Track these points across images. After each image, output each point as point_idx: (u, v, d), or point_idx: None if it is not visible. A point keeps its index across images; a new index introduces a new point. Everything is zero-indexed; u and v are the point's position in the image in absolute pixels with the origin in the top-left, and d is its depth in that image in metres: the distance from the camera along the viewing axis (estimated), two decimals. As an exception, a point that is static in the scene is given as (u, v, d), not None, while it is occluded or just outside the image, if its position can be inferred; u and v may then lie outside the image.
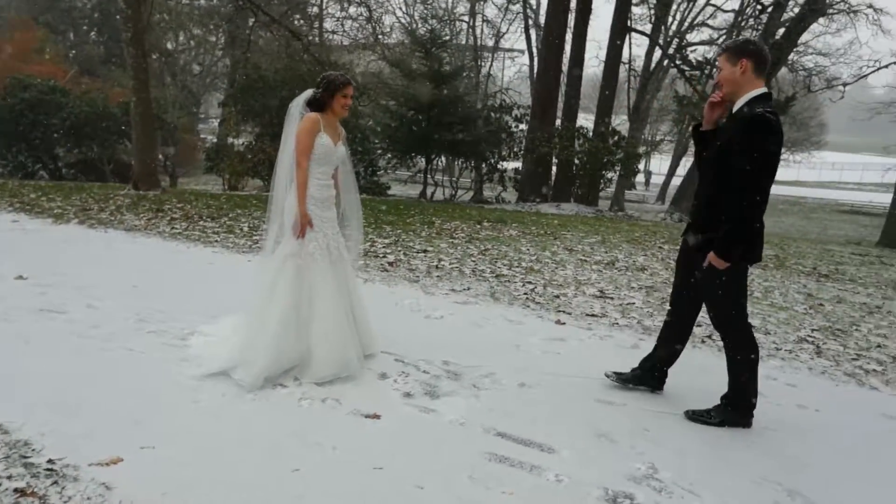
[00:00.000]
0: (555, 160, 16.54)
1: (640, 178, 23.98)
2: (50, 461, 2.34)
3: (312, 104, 3.35)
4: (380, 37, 25.84)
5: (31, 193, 8.97)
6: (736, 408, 2.90)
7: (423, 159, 16.97)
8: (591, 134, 16.15)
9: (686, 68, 20.91)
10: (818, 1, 15.95)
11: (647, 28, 24.07)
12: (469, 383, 3.22)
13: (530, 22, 28.13)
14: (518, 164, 18.05)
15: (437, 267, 5.75)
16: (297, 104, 3.42)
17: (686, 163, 29.85)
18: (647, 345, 3.91)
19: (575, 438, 2.71)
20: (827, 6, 17.69)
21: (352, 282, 3.45)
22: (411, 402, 2.99)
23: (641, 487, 2.36)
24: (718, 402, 2.95)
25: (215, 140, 30.26)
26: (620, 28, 17.56)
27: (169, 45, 27.61)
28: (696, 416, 2.94)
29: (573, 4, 16.47)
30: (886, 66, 19.58)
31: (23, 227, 6.57)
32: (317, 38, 23.52)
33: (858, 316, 5.13)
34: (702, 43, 26.17)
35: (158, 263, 5.37)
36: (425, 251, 6.45)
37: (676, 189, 23.41)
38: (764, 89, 2.80)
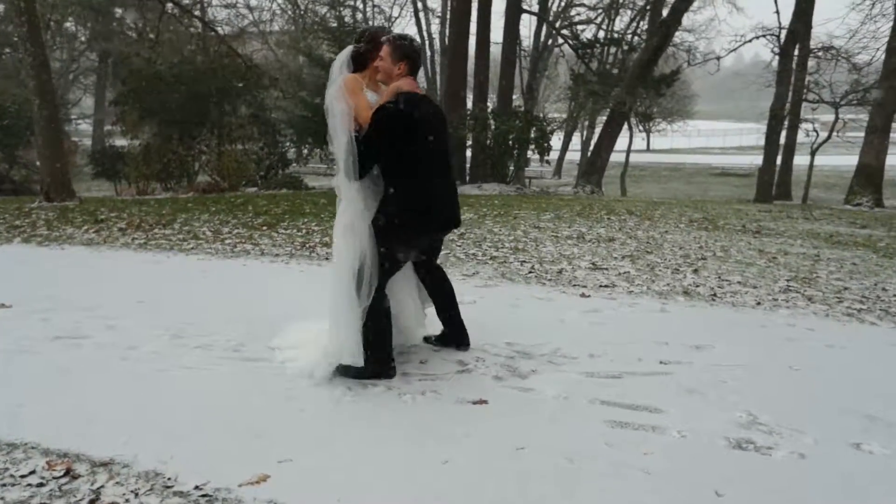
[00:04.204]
0: (468, 142, 16.90)
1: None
2: (197, 487, 2.24)
3: (355, 60, 3.06)
4: (262, 25, 24.85)
5: (-69, 214, 7.91)
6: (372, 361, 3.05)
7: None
8: (504, 115, 16.59)
9: (578, 46, 22.00)
10: (696, -18, 17.30)
11: (534, 9, 25.00)
12: (545, 360, 3.38)
13: (419, 5, 28.18)
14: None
15: (431, 255, 5.81)
16: (340, 62, 3.11)
17: (580, 137, 31.51)
18: (671, 307, 4.28)
19: (670, 397, 2.95)
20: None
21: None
22: (506, 384, 3.09)
23: (753, 432, 2.64)
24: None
25: (91, 143, 27.87)
26: (515, 9, 18.15)
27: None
28: (342, 370, 3.08)
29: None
30: (750, 41, 21.63)
31: (-42, 251, 5.85)
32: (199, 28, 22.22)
33: (810, 265, 5.82)
34: (582, 22, 27.62)
35: (148, 276, 5.01)
36: (408, 240, 6.47)
37: (581, 163, 24.67)
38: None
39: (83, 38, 30.15)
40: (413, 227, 2.99)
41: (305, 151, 16.91)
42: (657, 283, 4.93)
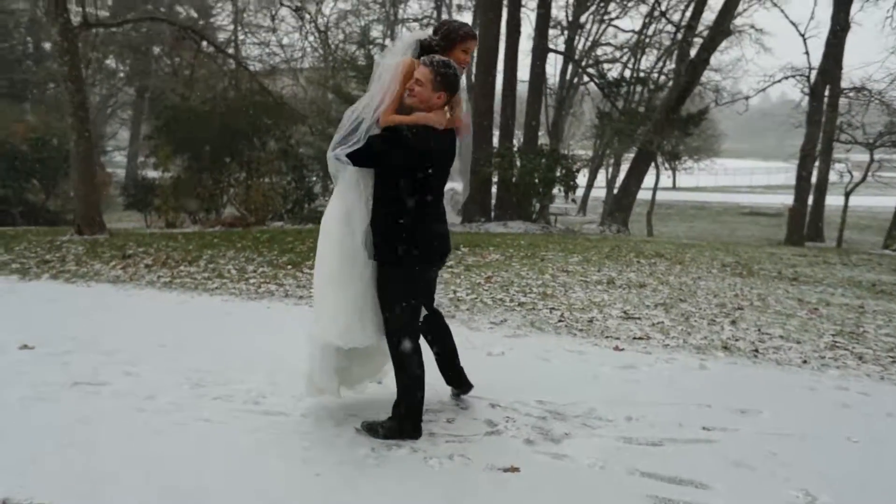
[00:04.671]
0: (495, 179, 16.89)
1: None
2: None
3: (425, 50, 2.80)
4: (295, 62, 25.46)
5: (-36, 246, 8.04)
6: (402, 417, 2.89)
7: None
8: (530, 152, 16.57)
9: (604, 84, 22.07)
10: (724, 23, 17.29)
11: (560, 48, 25.24)
12: (578, 423, 3.19)
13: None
14: (453, 185, 18.25)
15: (457, 300, 5.68)
16: (407, 42, 2.86)
17: (605, 174, 31.38)
18: (711, 364, 4.06)
19: (716, 469, 2.73)
20: (732, 28, 19.31)
21: None
22: (538, 449, 2.91)
23: (811, 513, 2.42)
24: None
25: (124, 174, 28.58)
26: (541, 49, 18.28)
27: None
28: (367, 427, 2.96)
29: (503, 28, 16.96)
30: (779, 81, 21.47)
31: (-12, 287, 5.89)
32: (232, 64, 22.86)
33: (855, 318, 5.54)
34: (607, 61, 27.77)
35: (171, 317, 4.95)
36: (433, 283, 6.34)
37: (607, 201, 24.49)
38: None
39: (122, 74, 31.21)
40: (406, 258, 2.80)
41: (332, 186, 17.06)
42: (694, 336, 4.71)
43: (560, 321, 5.06)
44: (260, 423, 3.11)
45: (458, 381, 3.40)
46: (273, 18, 16.75)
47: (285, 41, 26.23)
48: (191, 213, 15.39)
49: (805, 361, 4.19)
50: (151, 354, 4.00)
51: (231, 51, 27.47)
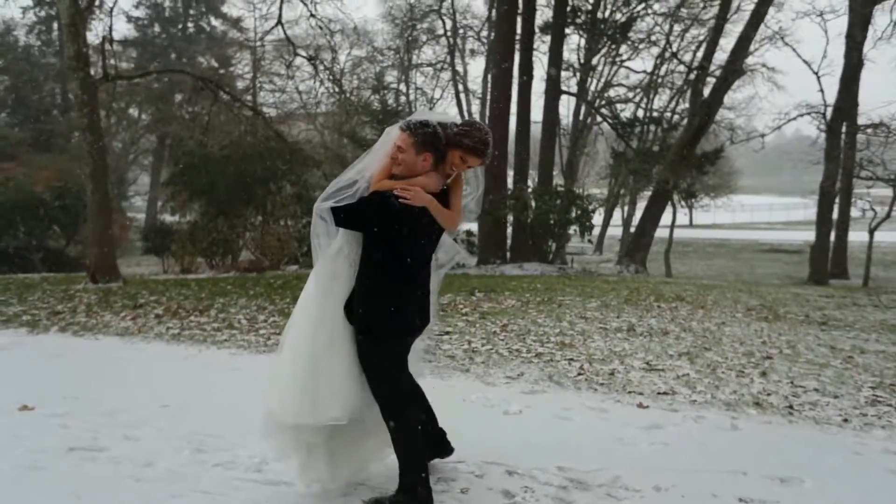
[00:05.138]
0: (510, 221, 16.80)
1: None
2: None
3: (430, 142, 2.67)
4: (311, 108, 25.93)
5: (-22, 297, 8.03)
6: (413, 488, 2.69)
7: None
8: (545, 193, 16.49)
9: (618, 125, 22.12)
10: (737, 63, 17.32)
11: (573, 90, 25.44)
12: (602, 493, 2.95)
13: (460, 87, 29.05)
14: (468, 226, 18.23)
15: (472, 351, 5.48)
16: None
17: (621, 213, 31.21)
18: (743, 423, 3.81)
19: (757, 550, 2.49)
20: (745, 68, 19.34)
21: None
22: (560, 525, 2.68)
23: None
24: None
25: (144, 219, 29.03)
26: (554, 91, 18.39)
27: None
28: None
29: (515, 71, 17.13)
30: (794, 119, 21.33)
31: (-5, 341, 5.81)
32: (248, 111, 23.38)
33: (894, 367, 5.24)
34: (620, 101, 27.90)
35: (176, 374, 4.81)
36: (447, 332, 6.17)
37: (623, 239, 24.27)
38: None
39: (145, 122, 32.06)
40: (386, 327, 2.68)
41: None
42: (722, 390, 4.46)
43: (579, 374, 4.83)
44: (261, 495, 2.92)
45: (440, 446, 3.09)
46: (288, 66, 17.08)
47: (302, 87, 26.85)
48: (207, 258, 15.44)
49: (846, 420, 3.91)
50: (153, 416, 3.84)
51: (249, 98, 28.16)
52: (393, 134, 2.71)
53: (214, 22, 32.46)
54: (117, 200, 25.53)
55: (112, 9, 11.81)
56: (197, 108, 23.73)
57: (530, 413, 3.97)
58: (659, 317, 7.28)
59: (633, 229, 21.62)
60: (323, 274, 2.75)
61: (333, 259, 2.74)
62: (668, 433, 3.67)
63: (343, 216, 2.64)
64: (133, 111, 30.80)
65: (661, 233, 21.67)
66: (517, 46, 16.96)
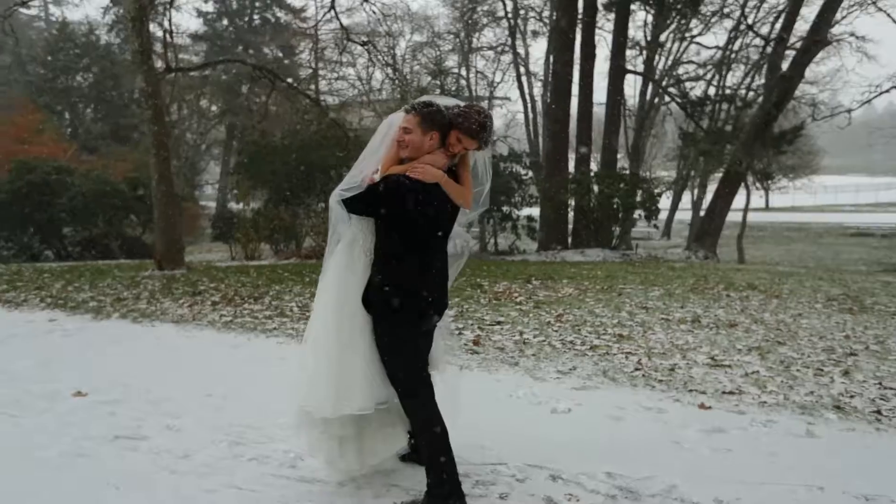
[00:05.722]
0: (571, 206, 16.33)
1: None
2: None
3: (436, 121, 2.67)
4: (371, 94, 26.03)
5: (54, 283, 8.43)
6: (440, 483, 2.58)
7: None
8: (608, 177, 15.90)
9: (686, 104, 21.04)
10: (820, 32, 16.05)
11: (639, 69, 24.40)
12: (656, 503, 2.70)
13: (521, 70, 28.39)
14: (529, 211, 17.85)
15: (523, 342, 5.26)
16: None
17: (690, 196, 29.87)
18: (821, 429, 3.43)
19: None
20: (830, 38, 17.91)
21: None
22: (605, 539, 2.46)
23: None
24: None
25: (214, 207, 30.15)
26: (618, 70, 17.64)
27: (167, 118, 27.53)
28: None
29: (576, 50, 16.54)
30: (888, 91, 19.65)
31: (62, 326, 6.04)
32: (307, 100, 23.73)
33: None
34: (690, 79, 26.52)
35: (223, 362, 4.84)
36: (499, 323, 5.97)
37: (692, 224, 23.23)
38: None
39: (215, 114, 33.18)
40: (398, 317, 2.64)
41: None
42: (797, 391, 4.06)
43: (636, 369, 4.53)
44: (293, 492, 2.83)
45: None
46: (341, 53, 17.15)
47: (363, 75, 27.00)
48: (271, 245, 15.82)
49: (942, 428, 3.47)
50: (197, 406, 3.85)
51: (312, 87, 28.57)
52: (395, 123, 2.71)
53: (279, 13, 33.07)
54: (190, 190, 26.62)
55: (171, 3, 12.01)
56: (261, 99, 24.32)
57: (580, 412, 3.72)
58: (727, 307, 6.81)
59: (702, 213, 20.58)
60: (340, 266, 2.73)
61: (349, 250, 2.73)
62: (733, 438, 3.35)
63: (355, 203, 2.64)
64: (204, 103, 31.90)
65: (733, 217, 20.56)
66: (579, 25, 16.36)
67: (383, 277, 2.64)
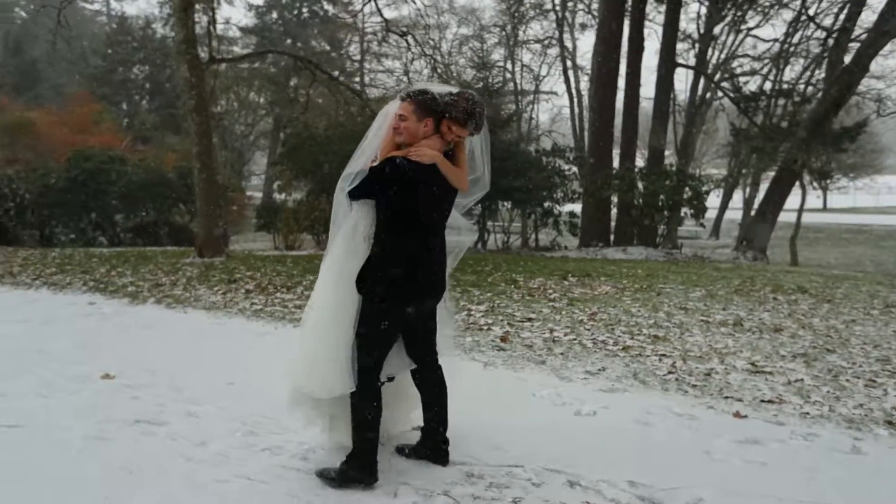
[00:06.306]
0: (614, 202, 15.95)
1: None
2: None
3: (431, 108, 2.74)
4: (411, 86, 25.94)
5: (100, 268, 8.70)
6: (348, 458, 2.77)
7: (478, 207, 16.63)
8: (654, 173, 15.45)
9: (740, 99, 20.25)
10: (888, 23, 15.14)
11: (690, 62, 23.59)
12: (679, 518, 2.54)
13: (568, 64, 27.88)
14: (571, 208, 17.51)
15: (553, 340, 5.10)
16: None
17: (741, 194, 28.81)
18: (869, 446, 3.18)
19: None
20: (897, 28, 16.87)
21: None
22: (621, 553, 2.31)
23: None
24: None
25: (261, 197, 30.78)
26: (668, 64, 17.08)
27: (217, 109, 28.27)
28: (320, 474, 2.82)
29: (624, 42, 16.10)
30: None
31: (100, 310, 6.20)
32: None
33: None
34: (745, 74, 25.50)
35: (248, 351, 4.85)
36: (530, 319, 5.82)
37: (743, 224, 22.40)
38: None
39: (262, 106, 33.87)
40: (386, 292, 2.71)
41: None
42: (844, 403, 3.79)
43: (670, 372, 4.32)
44: (302, 485, 2.78)
45: (435, 455, 2.96)
46: (379, 43, 17.21)
47: (407, 67, 26.99)
48: (312, 235, 16.01)
49: None
50: (218, 394, 3.85)
51: (357, 79, 28.76)
52: (391, 112, 2.76)
53: (327, 6, 33.43)
54: (237, 180, 27.23)
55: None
56: (308, 91, 24.65)
57: (605, 415, 3.56)
58: (774, 310, 6.47)
59: (753, 213, 19.82)
60: (340, 252, 2.79)
61: (350, 238, 2.78)
62: (770, 451, 3.13)
63: (361, 187, 2.69)
64: (252, 96, 32.55)
65: (787, 217, 19.71)
66: (627, 17, 15.92)
67: (377, 256, 2.70)
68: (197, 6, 10.31)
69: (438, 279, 2.85)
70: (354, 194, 2.71)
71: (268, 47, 30.65)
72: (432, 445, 2.96)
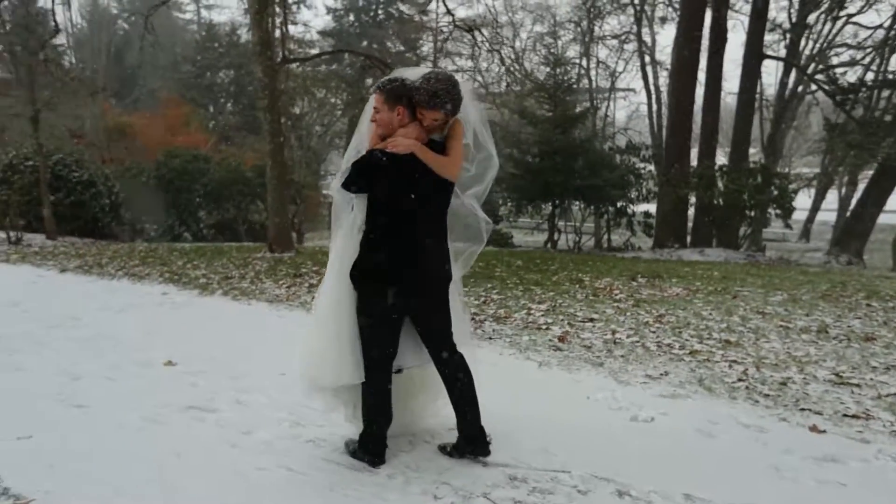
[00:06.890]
0: (692, 202, 15.21)
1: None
2: None
3: (399, 94, 2.75)
4: (490, 87, 25.85)
5: (178, 261, 9.14)
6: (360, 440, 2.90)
7: (548, 206, 16.29)
8: (736, 171, 14.61)
9: (836, 92, 18.84)
10: None
11: (780, 53, 22.18)
12: (738, 539, 2.31)
13: (646, 59, 26.89)
14: (646, 207, 16.85)
15: (614, 342, 4.87)
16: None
17: (837, 194, 26.82)
18: (969, 471, 2.80)
19: None
20: None
21: None
22: (669, 573, 2.12)
23: None
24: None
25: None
26: (755, 56, 16.10)
27: (296, 110, 29.26)
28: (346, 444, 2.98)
29: (705, 32, 15.32)
30: None
31: (172, 300, 6.49)
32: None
33: None
34: (843, 65, 23.70)
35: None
36: (591, 320, 5.59)
37: (837, 226, 20.90)
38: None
39: (339, 107, 34.80)
40: (363, 283, 2.76)
41: (516, 209, 16.78)
42: (942, 421, 3.38)
43: (740, 380, 4.01)
44: (340, 478, 2.75)
45: (474, 448, 2.90)
46: (445, 40, 17.15)
47: (484, 65, 26.87)
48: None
49: None
50: (269, 383, 3.90)
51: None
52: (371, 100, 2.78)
53: (402, 7, 33.87)
54: (313, 179, 28.04)
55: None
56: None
57: (664, 422, 3.33)
58: (866, 318, 5.92)
59: (849, 214, 18.40)
60: (343, 248, 2.82)
61: (350, 230, 2.81)
62: (850, 471, 2.82)
63: (347, 183, 2.73)
64: (328, 96, 33.48)
65: (888, 219, 18.12)
66: (709, 7, 15.14)
67: (361, 249, 2.74)
68: (271, 9, 10.57)
69: (427, 278, 2.79)
70: (344, 188, 2.76)
71: (347, 48, 31.44)
72: (470, 438, 2.88)
